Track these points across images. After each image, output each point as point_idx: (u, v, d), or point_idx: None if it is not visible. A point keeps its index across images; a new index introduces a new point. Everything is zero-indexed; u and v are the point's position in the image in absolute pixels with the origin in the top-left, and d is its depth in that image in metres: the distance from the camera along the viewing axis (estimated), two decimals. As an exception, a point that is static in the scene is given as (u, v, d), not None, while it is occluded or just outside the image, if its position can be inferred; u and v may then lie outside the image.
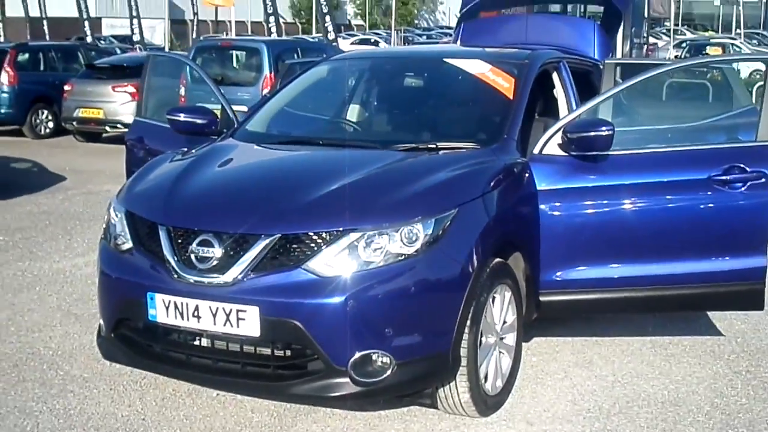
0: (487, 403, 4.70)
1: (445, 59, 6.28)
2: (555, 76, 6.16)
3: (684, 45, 36.63)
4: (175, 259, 4.36)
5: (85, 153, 16.07)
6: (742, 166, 5.10)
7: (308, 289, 4.13)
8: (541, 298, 5.21)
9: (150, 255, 4.49)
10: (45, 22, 42.77)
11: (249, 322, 4.18)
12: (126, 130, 16.39)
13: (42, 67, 18.84)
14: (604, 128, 5.00)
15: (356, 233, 4.20)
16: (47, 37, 37.04)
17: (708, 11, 66.94)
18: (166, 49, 39.44)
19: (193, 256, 4.31)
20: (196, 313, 4.28)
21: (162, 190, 4.76)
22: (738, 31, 43.80)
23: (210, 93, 13.09)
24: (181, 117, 5.87)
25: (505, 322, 4.87)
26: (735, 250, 5.21)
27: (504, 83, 5.60)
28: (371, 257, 4.19)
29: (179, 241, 4.40)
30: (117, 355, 4.73)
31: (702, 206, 5.19)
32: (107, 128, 16.93)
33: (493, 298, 4.69)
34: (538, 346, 5.80)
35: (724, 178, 5.11)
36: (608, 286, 5.24)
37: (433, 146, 5.15)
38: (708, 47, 33.85)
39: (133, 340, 4.64)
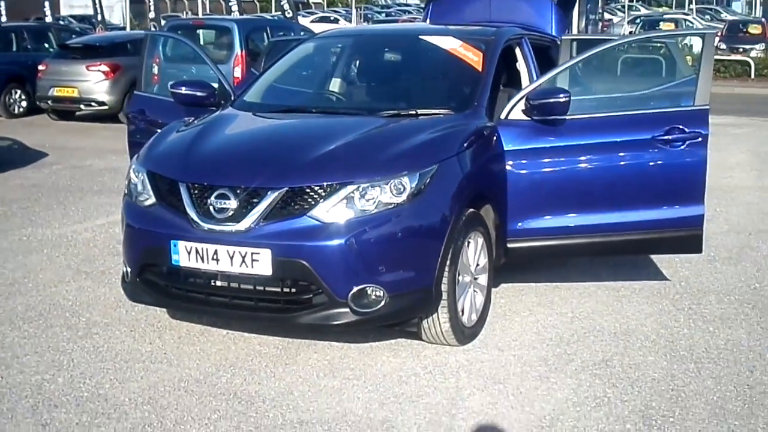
0: (464, 333, 5.45)
1: (420, 36, 7.02)
2: (518, 50, 6.87)
3: (638, 21, 37.53)
4: (195, 210, 5.05)
5: (61, 131, 16.53)
6: (681, 127, 5.86)
7: (313, 233, 4.86)
8: (509, 245, 5.95)
9: (171, 208, 5.19)
10: (2, 3, 42.73)
11: (262, 263, 4.89)
12: (100, 107, 16.99)
13: (14, 48, 19.23)
14: (561, 95, 5.74)
15: (353, 185, 4.93)
16: (4, 18, 37.02)
17: (662, -13, 67.98)
18: (127, 29, 39.76)
19: (211, 208, 5.01)
20: (215, 257, 4.98)
21: (179, 153, 5.45)
22: (691, 6, 44.82)
23: (182, 70, 13.74)
24: (183, 90, 6.51)
25: (478, 265, 5.61)
26: (677, 200, 5.97)
27: (474, 57, 6.32)
28: (365, 206, 4.92)
29: (198, 195, 5.09)
30: (142, 297, 5.43)
31: (647, 163, 5.95)
32: (82, 106, 17.34)
33: (468, 242, 5.43)
34: (505, 290, 6.53)
35: (666, 137, 5.87)
36: (566, 234, 5.99)
37: (414, 112, 5.88)
38: (661, 23, 34.75)
39: (157, 283, 5.33)
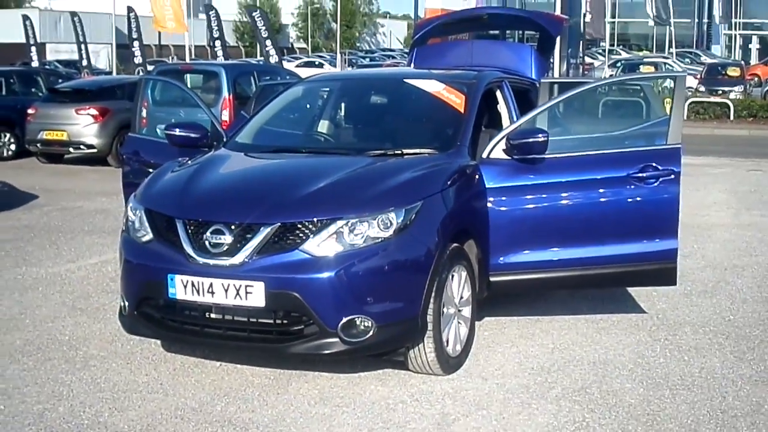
0: (449, 363, 5.68)
1: (405, 79, 7.33)
2: (498, 93, 7.16)
3: (618, 64, 38.10)
4: (191, 246, 5.30)
5: (50, 173, 16.73)
6: (655, 165, 6.15)
7: (304, 267, 5.11)
8: (491, 278, 6.21)
9: (168, 244, 5.43)
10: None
11: (256, 295, 5.13)
12: (89, 151, 17.20)
13: (3, 92, 19.48)
14: (540, 135, 6.03)
15: (342, 221, 5.20)
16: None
17: (642, 31, 68.91)
18: (114, 74, 40.18)
19: (207, 243, 5.25)
20: (210, 289, 5.22)
21: (176, 191, 5.71)
22: (671, 50, 45.49)
23: (169, 113, 14.04)
24: (177, 132, 6.78)
25: (462, 297, 5.86)
26: (651, 234, 6.25)
27: (456, 99, 6.62)
28: (354, 240, 5.18)
29: (194, 231, 5.34)
30: (140, 329, 5.65)
31: (623, 199, 6.23)
32: (71, 149, 17.53)
33: (452, 276, 5.68)
34: (488, 324, 6.76)
35: (640, 175, 6.15)
36: (546, 268, 6.25)
37: (399, 152, 6.15)
38: (641, 66, 35.29)
39: (153, 316, 5.56)
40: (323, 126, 7.21)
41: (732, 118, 26.54)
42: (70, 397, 5.42)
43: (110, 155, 17.25)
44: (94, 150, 17.23)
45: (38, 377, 5.75)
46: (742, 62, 39.47)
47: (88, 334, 6.64)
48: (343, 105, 7.46)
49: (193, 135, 6.74)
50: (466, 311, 5.94)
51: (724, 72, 33.03)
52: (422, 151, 6.19)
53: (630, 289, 7.61)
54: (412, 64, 8.94)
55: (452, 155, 6.11)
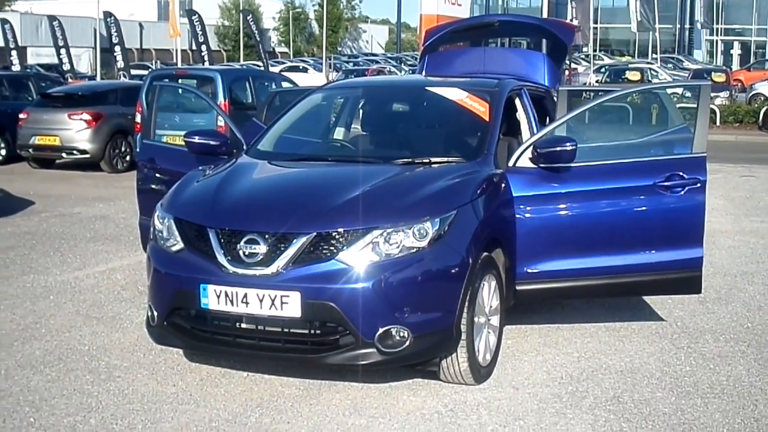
0: (480, 372, 5.66)
1: (427, 87, 7.28)
2: (517, 101, 7.14)
3: (603, 70, 38.18)
4: (224, 255, 5.25)
5: (42, 179, 16.59)
6: (681, 173, 6.15)
7: (341, 277, 5.07)
8: (517, 287, 6.18)
9: (200, 253, 5.38)
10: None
11: (291, 305, 5.09)
12: (81, 156, 17.09)
13: (-6, 96, 19.36)
14: (568, 144, 6.02)
15: (378, 230, 5.17)
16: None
17: (624, 37, 69.18)
18: (98, 78, 40.05)
19: (240, 252, 5.20)
20: (244, 300, 5.17)
21: (205, 199, 5.66)
22: (654, 56, 45.65)
23: (165, 119, 13.98)
24: (197, 139, 6.73)
25: (491, 306, 5.83)
26: (677, 243, 6.24)
27: (480, 107, 6.59)
28: (390, 250, 5.15)
29: (226, 240, 5.29)
30: (170, 340, 5.59)
31: (649, 208, 6.23)
32: (63, 155, 17.44)
33: (483, 285, 5.65)
34: (510, 332, 6.73)
35: (666, 183, 6.15)
36: (573, 276, 6.23)
37: (427, 160, 6.12)
38: (627, 72, 35.40)
39: (183, 326, 5.50)
40: (346, 134, 7.18)
41: (718, 123, 26.70)
42: (100, 408, 5.35)
43: (103, 160, 17.17)
44: (87, 155, 17.17)
45: (64, 388, 5.68)
46: (727, 68, 39.66)
47: (107, 344, 6.57)
48: (365, 113, 7.43)
49: (212, 142, 6.70)
50: (495, 320, 5.92)
51: (709, 78, 33.17)
52: (449, 159, 6.18)
53: (646, 297, 7.62)
54: (423, 72, 8.91)
55: (480, 164, 6.09)
